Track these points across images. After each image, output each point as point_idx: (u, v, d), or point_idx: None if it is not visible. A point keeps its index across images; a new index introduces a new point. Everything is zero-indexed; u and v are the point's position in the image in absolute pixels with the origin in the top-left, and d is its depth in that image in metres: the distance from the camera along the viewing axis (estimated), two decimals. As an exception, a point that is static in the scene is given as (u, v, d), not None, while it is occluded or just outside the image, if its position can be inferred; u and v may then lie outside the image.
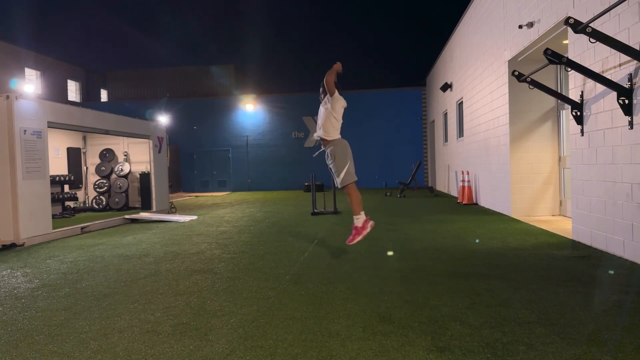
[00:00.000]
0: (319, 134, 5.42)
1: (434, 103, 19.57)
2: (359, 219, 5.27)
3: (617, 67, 5.26)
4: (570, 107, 6.39)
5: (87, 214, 11.84)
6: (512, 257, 5.43)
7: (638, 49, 4.78)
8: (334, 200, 11.08)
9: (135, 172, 12.85)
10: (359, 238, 5.25)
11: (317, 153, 6.05)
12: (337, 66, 5.26)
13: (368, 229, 5.30)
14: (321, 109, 5.44)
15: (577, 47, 6.22)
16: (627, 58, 5.01)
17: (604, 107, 5.62)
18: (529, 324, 3.22)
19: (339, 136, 5.41)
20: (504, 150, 9.64)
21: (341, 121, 5.42)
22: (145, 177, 12.13)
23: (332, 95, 5.24)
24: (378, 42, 58.54)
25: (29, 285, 4.82)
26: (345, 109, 5.41)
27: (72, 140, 12.71)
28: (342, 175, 5.27)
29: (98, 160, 13.03)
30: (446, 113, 16.91)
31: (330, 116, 5.30)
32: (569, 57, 5.85)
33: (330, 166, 5.41)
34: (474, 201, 12.10)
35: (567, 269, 4.81)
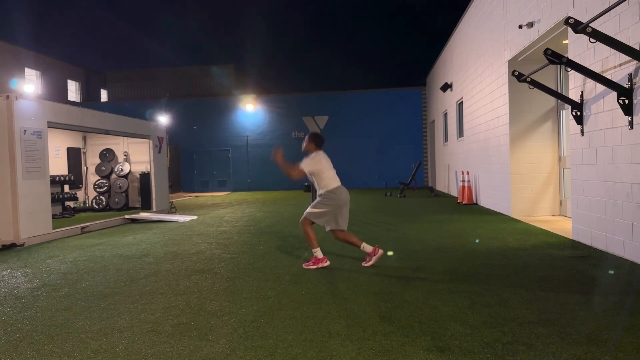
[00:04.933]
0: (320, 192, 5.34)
1: (434, 103, 19.57)
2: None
3: (617, 67, 5.26)
4: (570, 107, 6.39)
5: (87, 214, 11.84)
6: (512, 257, 5.44)
7: (638, 49, 4.78)
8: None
9: (135, 172, 12.85)
10: (373, 261, 5.17)
11: None
12: (278, 157, 5.17)
13: (380, 253, 5.22)
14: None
15: (577, 47, 6.21)
16: (627, 58, 5.01)
17: (604, 107, 5.62)
18: (529, 324, 3.22)
19: (335, 185, 5.25)
20: (504, 150, 9.63)
21: (330, 171, 5.26)
22: (145, 177, 12.13)
23: (306, 170, 5.18)
24: (378, 42, 58.51)
25: (29, 285, 4.82)
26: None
27: (72, 140, 12.71)
28: (310, 210, 5.33)
29: (98, 160, 13.03)
30: (446, 113, 16.91)
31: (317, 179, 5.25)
32: (569, 57, 5.84)
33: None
34: (474, 201, 12.10)
35: (567, 269, 4.81)
